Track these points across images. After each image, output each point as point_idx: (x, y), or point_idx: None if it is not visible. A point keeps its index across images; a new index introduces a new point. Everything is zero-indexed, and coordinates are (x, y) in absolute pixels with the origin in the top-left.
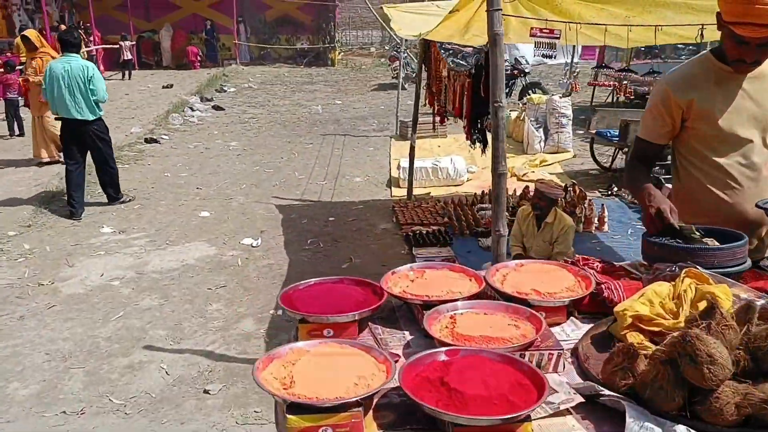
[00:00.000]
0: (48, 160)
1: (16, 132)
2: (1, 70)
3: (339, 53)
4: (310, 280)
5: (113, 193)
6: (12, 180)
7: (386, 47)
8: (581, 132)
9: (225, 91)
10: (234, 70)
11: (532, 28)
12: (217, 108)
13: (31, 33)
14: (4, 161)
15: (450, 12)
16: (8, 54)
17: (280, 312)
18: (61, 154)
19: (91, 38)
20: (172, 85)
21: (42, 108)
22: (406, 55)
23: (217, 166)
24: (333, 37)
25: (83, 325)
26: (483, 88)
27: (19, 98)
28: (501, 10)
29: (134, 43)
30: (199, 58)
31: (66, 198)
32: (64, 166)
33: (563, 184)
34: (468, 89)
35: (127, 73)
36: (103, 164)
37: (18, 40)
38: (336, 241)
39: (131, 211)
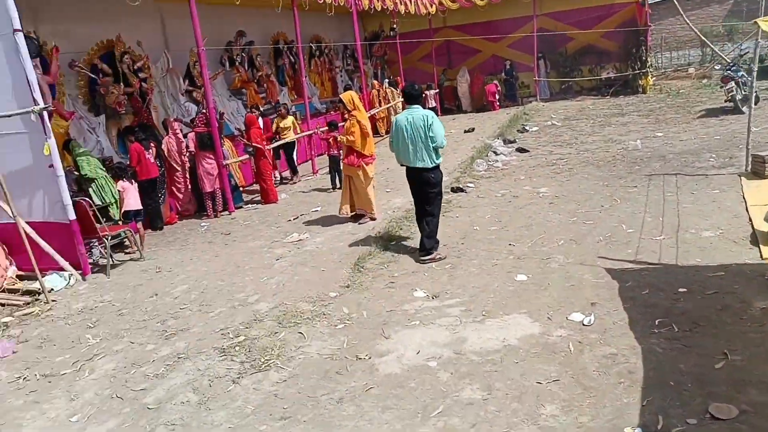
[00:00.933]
0: (347, 215)
1: (338, 186)
2: (326, 128)
3: (651, 78)
4: None
5: (427, 244)
6: (333, 235)
7: (716, 67)
8: None
9: (527, 130)
10: (534, 108)
11: None
12: (521, 150)
13: (345, 96)
14: (326, 218)
15: None
16: (332, 113)
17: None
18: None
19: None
20: (473, 129)
21: (348, 168)
22: (742, 74)
23: (529, 217)
24: (645, 62)
25: (401, 418)
26: None
27: (340, 154)
28: None
29: (437, 91)
30: (497, 97)
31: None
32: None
33: None
34: None
35: None
36: (430, 214)
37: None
38: (696, 324)
39: (443, 271)
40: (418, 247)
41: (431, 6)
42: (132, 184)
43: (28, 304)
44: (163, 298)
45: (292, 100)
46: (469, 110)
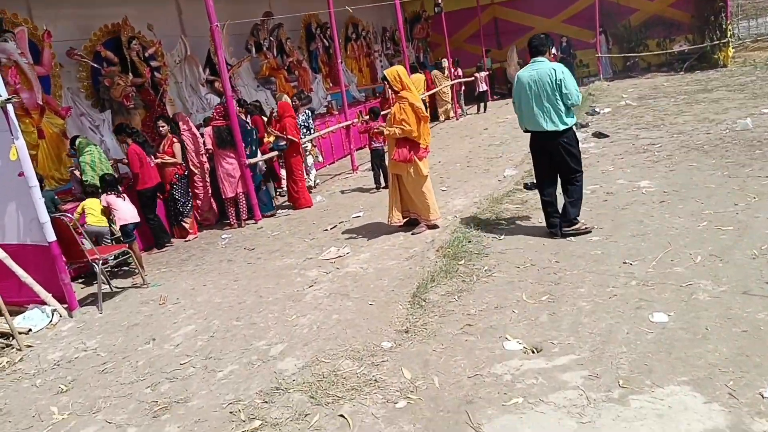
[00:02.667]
0: (399, 224)
1: (382, 184)
2: (367, 117)
3: (731, 50)
4: None
5: (572, 213)
6: (381, 249)
7: None
8: None
9: (597, 113)
10: (599, 88)
11: None
12: (599, 135)
13: (390, 72)
14: (371, 226)
15: None
16: (371, 101)
17: None
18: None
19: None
20: None
21: (397, 166)
22: None
23: (640, 222)
24: (725, 32)
25: None
26: None
27: (384, 147)
28: None
29: (488, 73)
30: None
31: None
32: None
33: None
34: None
35: (482, 105)
36: (570, 181)
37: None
38: None
39: (540, 306)
40: (547, 224)
41: None
42: (120, 197)
43: None
44: (162, 346)
45: (327, 88)
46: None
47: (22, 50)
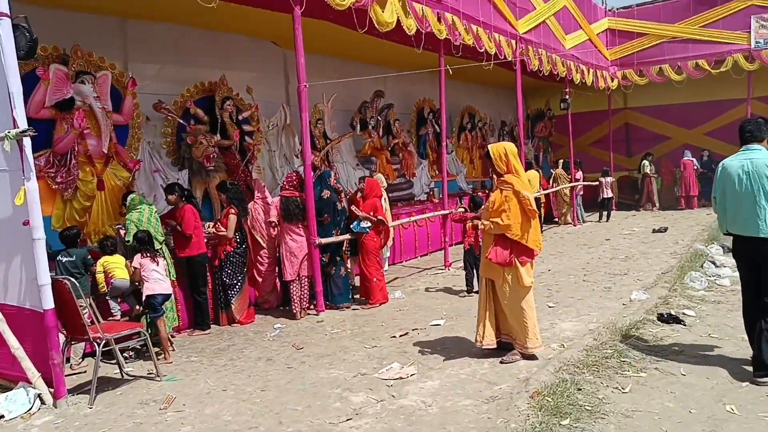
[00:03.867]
0: (491, 347)
1: (474, 288)
2: (464, 207)
3: None
4: None
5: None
6: (456, 378)
7: None
8: None
9: None
10: None
11: None
12: None
13: (496, 149)
14: (450, 341)
15: None
16: (477, 192)
17: None
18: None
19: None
20: (666, 229)
21: (490, 268)
22: None
23: None
24: None
25: None
26: None
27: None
28: None
29: (615, 179)
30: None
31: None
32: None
33: None
34: None
35: (605, 214)
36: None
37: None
38: None
39: None
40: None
41: (612, 80)
42: (155, 261)
43: None
44: None
45: (432, 175)
46: (649, 207)
47: (99, 95)
